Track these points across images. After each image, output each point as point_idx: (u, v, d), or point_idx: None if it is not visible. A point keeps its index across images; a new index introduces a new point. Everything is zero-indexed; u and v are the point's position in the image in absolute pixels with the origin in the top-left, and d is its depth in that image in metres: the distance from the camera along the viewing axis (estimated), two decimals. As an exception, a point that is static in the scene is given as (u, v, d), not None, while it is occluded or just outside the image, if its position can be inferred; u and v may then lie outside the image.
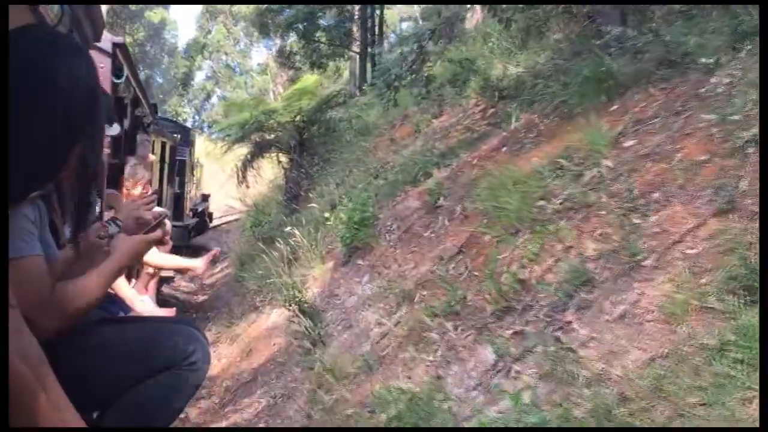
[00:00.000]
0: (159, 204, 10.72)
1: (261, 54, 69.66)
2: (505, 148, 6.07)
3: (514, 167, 5.38)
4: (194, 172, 19.58)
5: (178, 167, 15.30)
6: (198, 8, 64.54)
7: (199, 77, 73.79)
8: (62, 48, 1.65)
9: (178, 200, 15.68)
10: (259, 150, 12.35)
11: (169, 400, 2.36)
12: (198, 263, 5.17)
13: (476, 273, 4.62)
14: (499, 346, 3.75)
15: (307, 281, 7.18)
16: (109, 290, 2.78)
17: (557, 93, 6.14)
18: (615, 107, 5.26)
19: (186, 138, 16.72)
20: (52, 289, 1.84)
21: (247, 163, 12.69)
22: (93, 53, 3.52)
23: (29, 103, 1.50)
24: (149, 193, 5.25)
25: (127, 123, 6.81)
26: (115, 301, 3.74)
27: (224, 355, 7.96)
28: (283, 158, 12.50)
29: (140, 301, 4.35)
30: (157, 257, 4.82)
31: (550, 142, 5.53)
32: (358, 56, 23.03)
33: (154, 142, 11.06)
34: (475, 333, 4.03)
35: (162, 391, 2.32)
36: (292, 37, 27.01)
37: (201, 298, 13.44)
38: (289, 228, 7.62)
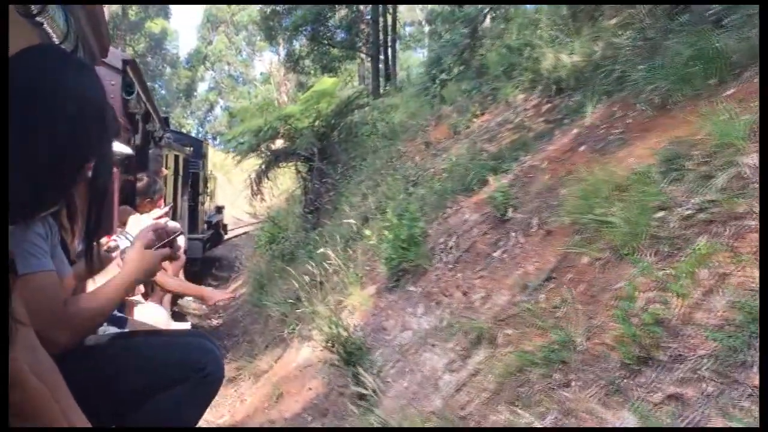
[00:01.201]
0: (174, 217, 10.75)
1: (264, 63, 69.85)
2: (583, 147, 5.10)
3: (605, 170, 4.40)
4: (208, 184, 19.66)
5: (191, 180, 15.46)
6: (199, 18, 64.11)
7: (201, 88, 73.83)
8: (71, 67, 1.65)
9: (193, 213, 15.74)
10: (275, 159, 11.38)
11: (183, 412, 2.39)
12: (210, 295, 4.97)
13: (580, 306, 3.64)
14: (644, 413, 2.76)
15: (343, 310, 6.21)
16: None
17: (642, 79, 5.15)
18: (730, 91, 4.28)
19: (198, 150, 16.87)
20: (64, 304, 1.88)
21: (262, 174, 11.71)
22: (103, 70, 3.96)
23: (39, 122, 1.53)
24: (163, 207, 5.14)
25: (138, 138, 6.92)
26: (124, 317, 3.68)
27: (248, 394, 7.03)
28: (302, 167, 11.53)
29: (153, 315, 4.41)
30: (171, 281, 4.83)
31: (646, 138, 4.56)
32: (370, 58, 21.99)
33: (167, 155, 11.13)
34: (602, 393, 3.05)
35: (176, 404, 2.36)
36: (301, 41, 26.08)
37: (215, 322, 12.47)
38: (321, 249, 6.57)
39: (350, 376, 4.75)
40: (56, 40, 2.68)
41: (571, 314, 3.65)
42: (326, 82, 11.71)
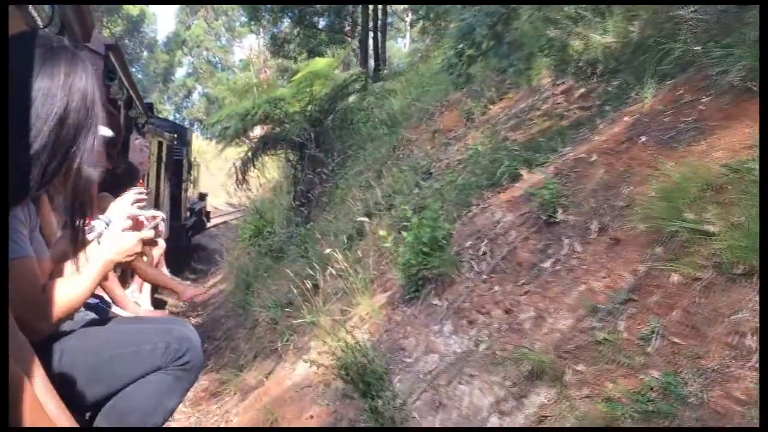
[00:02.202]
0: (156, 203, 11.26)
1: (243, 50, 69.79)
2: (644, 138, 4.30)
3: (685, 165, 3.62)
4: (191, 171, 19.50)
5: (174, 167, 15.48)
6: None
7: (179, 73, 73.27)
8: (60, 57, 1.64)
9: (176, 200, 15.82)
10: (263, 146, 10.46)
11: (161, 400, 2.42)
12: (184, 290, 5.17)
13: (679, 340, 2.86)
14: None
15: (348, 320, 5.39)
16: (100, 292, 3.44)
17: (716, 59, 4.35)
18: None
19: (183, 137, 16.91)
20: (42, 288, 1.95)
21: (248, 162, 10.78)
22: (85, 55, 3.41)
23: (24, 109, 1.53)
24: (142, 191, 4.42)
25: (120, 124, 6.75)
26: (105, 302, 3.61)
27: (234, 412, 6.18)
28: (292, 155, 10.63)
29: (133, 302, 4.34)
30: (149, 271, 4.90)
31: (731, 127, 3.80)
32: (358, 43, 21.06)
33: (150, 142, 11.01)
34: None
35: (154, 392, 2.40)
36: (286, 24, 25.07)
37: (194, 320, 11.55)
38: (327, 250, 5.71)
39: (366, 409, 3.92)
40: (41, 24, 2.71)
41: (667, 351, 2.87)
42: (320, 62, 10.80)
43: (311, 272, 6.80)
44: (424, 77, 11.14)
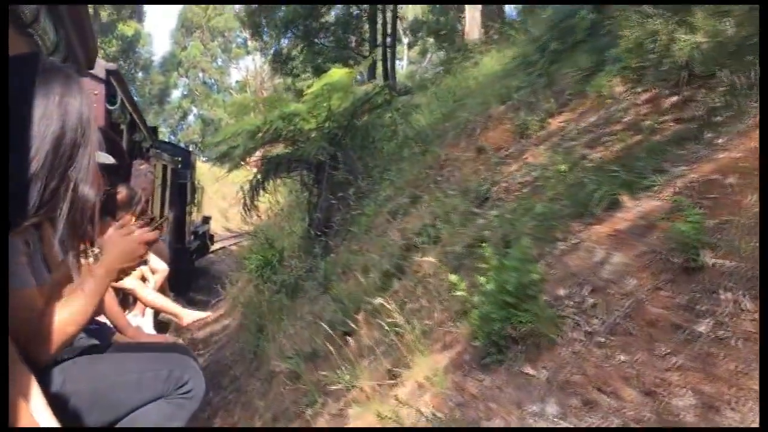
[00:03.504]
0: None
1: (240, 71, 70.23)
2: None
3: None
4: (195, 194, 19.86)
5: (179, 190, 15.61)
6: (173, 22, 62.99)
7: (174, 95, 73.40)
8: (57, 78, 1.67)
9: (180, 223, 16.09)
10: (276, 168, 9.41)
11: (163, 429, 2.44)
12: (186, 314, 5.07)
13: None
14: None
15: (401, 386, 4.31)
16: (101, 318, 3.59)
17: None
18: None
19: (187, 160, 17.18)
20: (40, 316, 1.93)
21: (258, 185, 9.72)
22: (86, 80, 4.57)
23: (21, 131, 1.57)
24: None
25: (123, 149, 6.44)
26: (106, 328, 3.61)
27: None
28: (307, 178, 9.58)
29: (135, 327, 4.27)
30: (149, 293, 4.90)
31: None
32: (369, 59, 20.12)
33: (155, 166, 10.89)
34: None
35: (156, 420, 2.42)
36: (290, 40, 24.06)
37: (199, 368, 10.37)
38: (378, 300, 4.64)
39: None
40: (46, 52, 2.79)
41: None
42: (336, 73, 9.78)
43: (340, 315, 5.75)
44: (455, 90, 10.14)
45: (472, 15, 17.27)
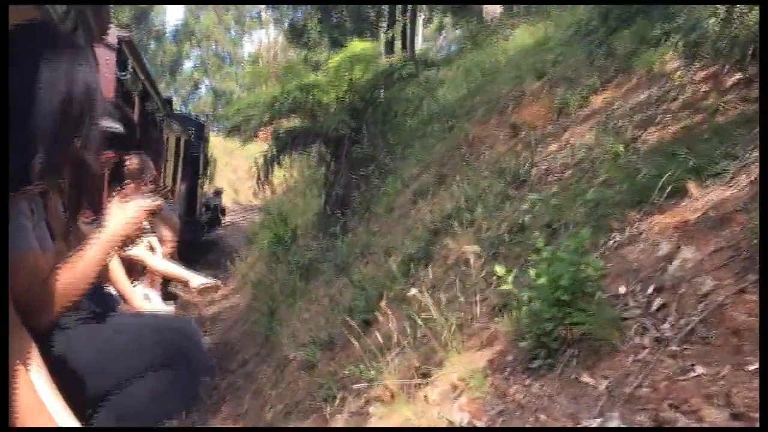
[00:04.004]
0: (171, 200, 11.51)
1: (253, 43, 70.35)
2: None
3: None
4: (207, 167, 20.01)
5: (192, 162, 15.77)
6: (186, -9, 62.62)
7: (186, 66, 73.53)
8: (63, 47, 1.68)
9: (191, 195, 16.23)
10: (292, 141, 8.97)
11: (159, 400, 2.49)
12: (194, 278, 5.15)
13: None
14: None
15: (432, 386, 3.91)
16: (107, 287, 3.64)
17: None
18: None
19: (200, 133, 17.32)
20: (43, 281, 1.97)
21: (273, 159, 9.28)
22: (98, 48, 4.43)
23: (28, 98, 1.56)
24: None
25: (135, 118, 6.59)
26: (112, 297, 3.60)
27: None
28: (325, 153, 9.13)
29: (140, 297, 4.35)
30: (157, 261, 4.97)
31: None
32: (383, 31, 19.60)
33: (168, 137, 11.29)
34: None
35: (152, 391, 2.47)
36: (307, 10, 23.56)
37: (202, 341, 10.02)
38: (412, 291, 4.23)
39: None
40: (57, 19, 2.75)
41: None
42: (359, 45, 9.29)
43: (362, 303, 5.37)
44: (483, 65, 9.64)
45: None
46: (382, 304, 5.32)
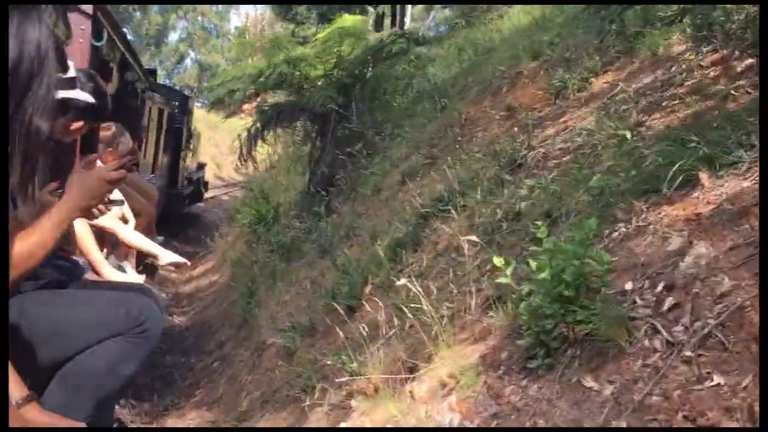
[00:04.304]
0: (153, 171, 11.33)
1: (240, 17, 69.97)
2: None
3: None
4: (191, 140, 19.81)
5: (174, 135, 15.53)
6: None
7: (172, 38, 72.92)
8: (14, 6, 1.58)
9: (173, 167, 16.07)
10: (277, 116, 8.65)
11: (117, 365, 2.54)
12: (163, 254, 4.91)
13: None
14: None
15: (419, 381, 3.68)
16: (77, 256, 3.66)
17: None
18: None
19: (184, 106, 16.95)
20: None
21: (257, 134, 8.96)
22: (73, 15, 4.37)
23: None
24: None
25: (113, 88, 6.84)
26: (79, 266, 3.56)
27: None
28: (311, 129, 8.82)
29: (110, 267, 4.21)
30: (128, 232, 4.82)
31: None
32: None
33: (150, 109, 11.12)
34: None
35: (111, 357, 2.51)
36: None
37: (177, 319, 9.77)
38: (402, 280, 3.96)
39: None
40: None
41: None
42: (348, 19, 8.95)
43: (345, 287, 5.11)
44: (477, 43, 9.34)
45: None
46: (367, 290, 5.08)
